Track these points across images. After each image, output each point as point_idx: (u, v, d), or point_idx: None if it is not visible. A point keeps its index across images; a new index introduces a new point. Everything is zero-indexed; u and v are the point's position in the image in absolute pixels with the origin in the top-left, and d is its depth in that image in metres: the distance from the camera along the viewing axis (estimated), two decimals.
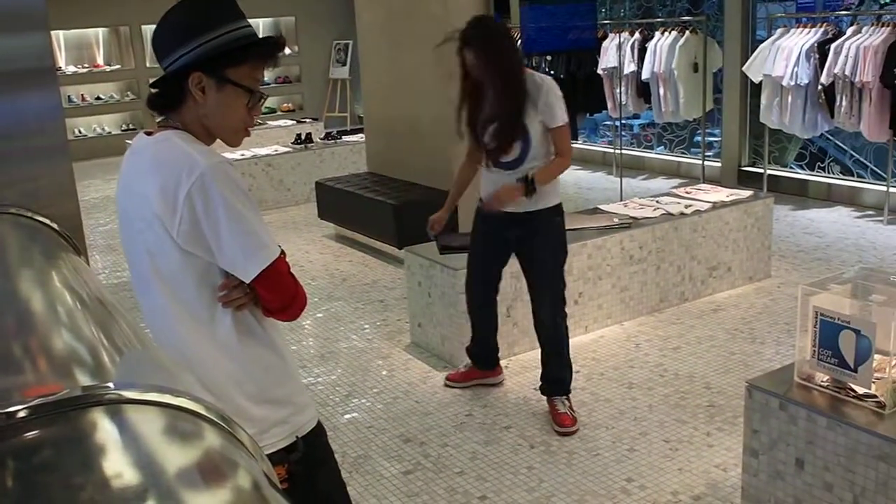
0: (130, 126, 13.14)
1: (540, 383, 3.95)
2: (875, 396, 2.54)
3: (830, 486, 2.55)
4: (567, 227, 4.82)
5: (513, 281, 4.30)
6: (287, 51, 13.83)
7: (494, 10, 6.99)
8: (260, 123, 11.54)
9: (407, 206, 6.16)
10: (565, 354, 3.89)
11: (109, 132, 13.05)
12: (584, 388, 4.18)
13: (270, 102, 14.26)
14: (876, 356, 2.52)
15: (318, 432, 2.04)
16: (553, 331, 3.86)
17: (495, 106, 3.60)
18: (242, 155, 8.70)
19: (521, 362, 4.44)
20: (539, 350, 3.95)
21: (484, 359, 4.23)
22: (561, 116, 3.58)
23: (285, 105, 14.41)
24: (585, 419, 3.86)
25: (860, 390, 2.57)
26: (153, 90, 1.89)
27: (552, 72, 9.19)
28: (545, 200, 3.67)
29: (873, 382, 2.54)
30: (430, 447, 3.70)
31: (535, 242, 3.75)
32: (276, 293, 1.84)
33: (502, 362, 4.34)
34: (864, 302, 2.63)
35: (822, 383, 2.67)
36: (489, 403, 4.07)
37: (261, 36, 1.89)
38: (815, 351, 2.64)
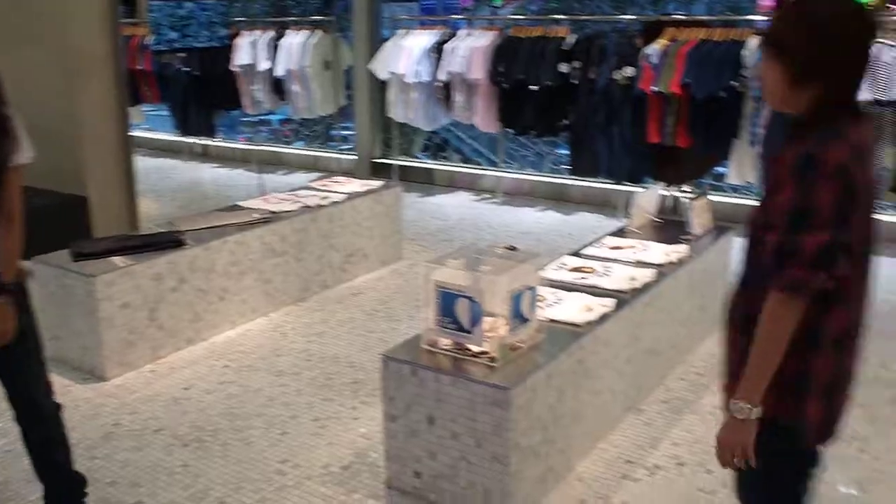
0: None
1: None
2: (487, 353, 2.92)
3: (458, 435, 2.89)
4: (207, 226, 4.86)
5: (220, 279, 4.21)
6: None
7: (122, 3, 6.70)
8: None
9: (33, 213, 5.70)
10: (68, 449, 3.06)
11: None
12: (233, 381, 4.23)
13: None
14: (487, 318, 2.90)
15: None
16: (58, 422, 3.00)
17: None
18: None
19: (168, 364, 4.38)
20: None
21: None
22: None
23: None
24: (237, 411, 3.92)
25: (475, 349, 2.93)
26: None
27: (188, 69, 9.04)
28: None
29: (485, 341, 2.91)
30: (78, 462, 3.51)
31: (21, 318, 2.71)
32: None
33: (149, 366, 4.24)
34: (474, 272, 3.00)
35: (445, 347, 3.00)
36: (137, 410, 3.96)
37: None
38: (437, 319, 2.97)
